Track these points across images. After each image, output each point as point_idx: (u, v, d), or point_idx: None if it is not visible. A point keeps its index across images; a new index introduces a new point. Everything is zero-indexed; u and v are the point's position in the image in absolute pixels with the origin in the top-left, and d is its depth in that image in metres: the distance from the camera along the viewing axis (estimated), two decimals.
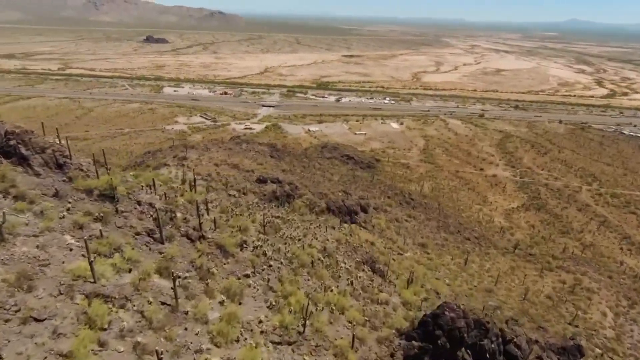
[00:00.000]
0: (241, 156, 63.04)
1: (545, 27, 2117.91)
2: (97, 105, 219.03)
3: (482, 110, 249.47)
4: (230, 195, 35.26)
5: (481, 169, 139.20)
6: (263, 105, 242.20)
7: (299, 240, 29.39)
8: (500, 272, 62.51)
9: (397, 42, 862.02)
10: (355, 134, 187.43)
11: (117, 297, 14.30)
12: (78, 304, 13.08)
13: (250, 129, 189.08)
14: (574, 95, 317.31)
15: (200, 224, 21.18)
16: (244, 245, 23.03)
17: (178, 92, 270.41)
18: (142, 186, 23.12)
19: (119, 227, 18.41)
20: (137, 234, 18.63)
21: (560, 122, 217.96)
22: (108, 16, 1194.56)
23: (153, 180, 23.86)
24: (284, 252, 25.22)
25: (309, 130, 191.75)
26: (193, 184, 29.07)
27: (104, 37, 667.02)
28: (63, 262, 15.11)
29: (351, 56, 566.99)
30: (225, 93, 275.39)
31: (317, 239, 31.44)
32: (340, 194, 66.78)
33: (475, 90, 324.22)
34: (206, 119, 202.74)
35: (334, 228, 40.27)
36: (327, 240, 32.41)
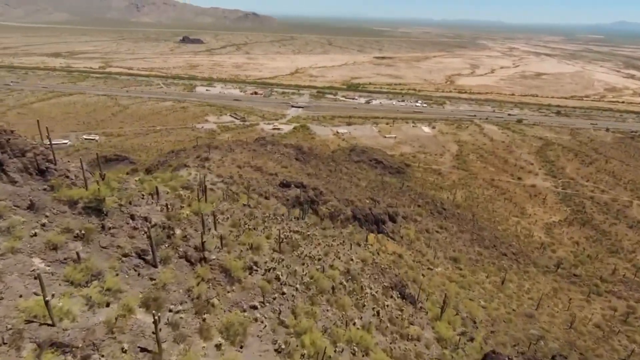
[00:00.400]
0: (265, 158, 60.78)
1: (590, 30, 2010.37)
2: (132, 103, 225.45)
3: (521, 115, 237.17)
4: (245, 205, 32.45)
5: (519, 178, 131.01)
6: (292, 106, 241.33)
7: (319, 260, 26.19)
8: (541, 294, 56.80)
9: (430, 44, 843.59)
10: (385, 137, 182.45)
11: (80, 345, 11.44)
12: (24, 357, 10.45)
13: (279, 129, 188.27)
14: (622, 102, 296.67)
15: (203, 242, 18.50)
16: (254, 268, 20.08)
17: (210, 92, 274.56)
18: (144, 195, 20.77)
19: (104, 247, 15.80)
20: (125, 255, 15.99)
21: (607, 130, 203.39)
22: (148, 17, 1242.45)
23: (156, 188, 21.50)
24: (301, 275, 22.09)
25: (337, 132, 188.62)
26: (204, 191, 26.45)
27: (143, 38, 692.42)
28: (20, 296, 12.15)
29: (383, 58, 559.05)
30: (256, 93, 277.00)
31: (339, 258, 28.19)
32: (367, 201, 63.18)
33: (513, 95, 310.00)
34: (236, 118, 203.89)
35: (359, 245, 36.79)
36: (352, 260, 29.05)
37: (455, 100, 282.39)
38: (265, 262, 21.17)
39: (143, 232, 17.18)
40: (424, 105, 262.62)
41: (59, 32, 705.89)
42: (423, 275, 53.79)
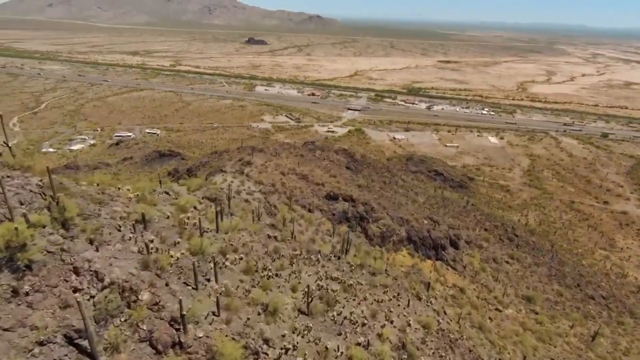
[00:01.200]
0: (313, 165, 55.15)
1: None
2: (195, 100, 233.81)
3: (606, 129, 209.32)
4: (271, 236, 26.39)
5: (605, 202, 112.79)
6: (349, 109, 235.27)
7: (364, 325, 19.35)
8: None
9: (501, 48, 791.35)
10: (446, 146, 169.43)
11: None
12: None
13: (333, 132, 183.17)
14: None
15: (182, 315, 12.38)
16: (262, 353, 13.80)
17: (268, 91, 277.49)
18: (122, 226, 15.63)
19: (7, 330, 9.98)
20: (43, 343, 10.06)
21: None
22: (219, 19, 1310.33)
23: (143, 215, 16.37)
24: (335, 355, 15.46)
25: (394, 137, 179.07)
26: (226, 208, 21.03)
27: (212, 38, 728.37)
28: None
29: (448, 62, 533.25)
30: (313, 94, 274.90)
31: (392, 321, 21.16)
32: (425, 221, 54.96)
33: (596, 106, 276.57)
34: (291, 119, 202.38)
35: (419, 299, 29.04)
36: (409, 324, 21.77)
37: (527, 109, 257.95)
38: (283, 337, 14.89)
39: (90, 296, 12.00)
40: (492, 113, 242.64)
41: (139, 33, 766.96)
42: (490, 319, 44.65)
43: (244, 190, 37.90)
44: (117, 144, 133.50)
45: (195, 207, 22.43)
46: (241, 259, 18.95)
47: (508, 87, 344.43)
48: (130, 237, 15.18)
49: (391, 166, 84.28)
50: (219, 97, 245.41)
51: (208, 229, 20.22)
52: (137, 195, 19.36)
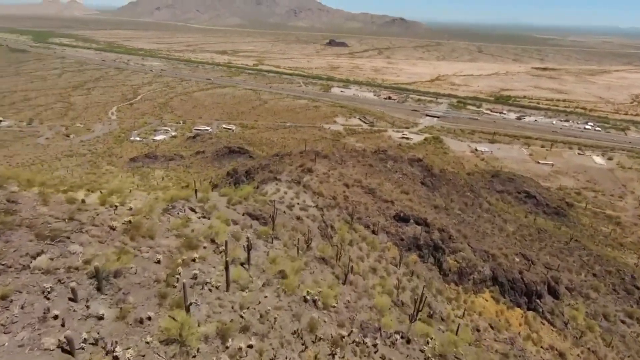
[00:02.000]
0: (382, 177, 48.09)
1: None
2: (272, 98, 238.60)
3: None
4: (308, 300, 19.32)
5: None
6: (427, 115, 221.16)
7: None
8: None
9: (611, 55, 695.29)
10: (539, 163, 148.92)
11: None
12: None
13: (408, 138, 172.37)
14: None
15: None
16: None
17: (344, 93, 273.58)
18: (89, 276, 10.62)
19: None
20: None
21: None
22: (303, 22, 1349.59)
23: (96, 270, 11.17)
24: None
25: (475, 149, 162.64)
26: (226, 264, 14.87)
27: (295, 40, 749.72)
28: None
29: (544, 69, 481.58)
30: (389, 98, 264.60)
31: None
32: (516, 258, 44.78)
33: None
34: (364, 122, 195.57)
35: None
36: None
37: None
38: None
39: None
40: (597, 129, 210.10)
41: (229, 34, 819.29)
42: None
43: (298, 204, 32.62)
44: (194, 137, 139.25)
45: (213, 240, 17.04)
46: (250, 347, 12.89)
47: (619, 100, 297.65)
48: (57, 316, 9.83)
49: (473, 183, 73.26)
50: (295, 97, 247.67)
51: (213, 284, 14.40)
52: (129, 221, 14.71)
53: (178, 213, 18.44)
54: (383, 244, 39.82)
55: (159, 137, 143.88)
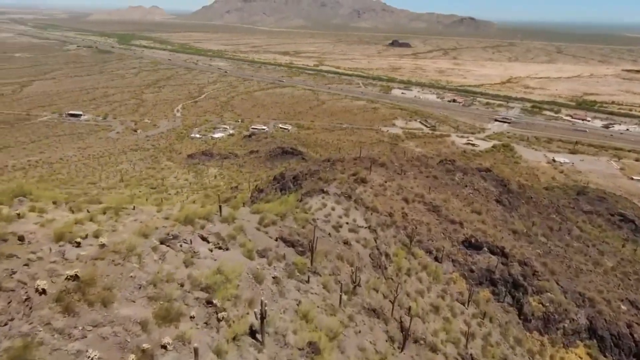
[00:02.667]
0: (449, 192, 40.93)
1: None
2: (330, 99, 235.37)
3: None
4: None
5: None
6: (496, 120, 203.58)
7: None
8: None
9: None
10: (632, 179, 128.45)
11: None
12: None
13: (474, 145, 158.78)
14: None
15: None
16: None
17: (405, 95, 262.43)
18: None
19: None
20: None
21: None
22: (366, 23, 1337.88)
23: None
24: None
25: (553, 160, 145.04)
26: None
27: (357, 41, 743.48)
28: None
29: (637, 71, 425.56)
30: (454, 100, 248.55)
31: None
32: (622, 305, 35.48)
33: None
34: (425, 125, 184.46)
35: None
36: None
37: None
38: None
39: None
40: None
41: (292, 35, 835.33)
42: None
43: (347, 223, 27.30)
44: (250, 136, 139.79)
45: (209, 302, 11.72)
46: None
47: None
48: None
49: (555, 201, 62.33)
50: (353, 98, 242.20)
51: None
52: (74, 276, 10.13)
53: (181, 245, 14.08)
54: (448, 275, 33.08)
55: (217, 135, 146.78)
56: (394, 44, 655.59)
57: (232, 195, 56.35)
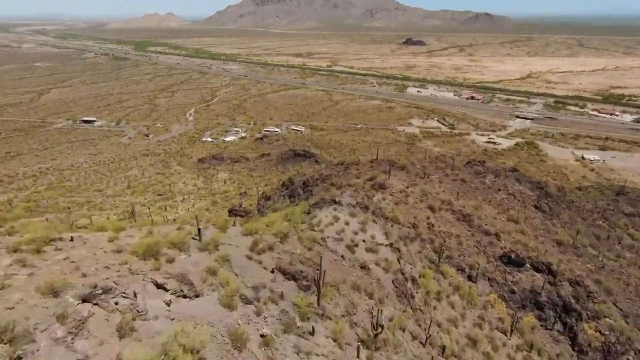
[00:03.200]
0: (480, 198, 35.82)
1: None
2: (343, 99, 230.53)
3: None
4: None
5: None
6: (517, 117, 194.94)
7: None
8: None
9: None
10: None
11: None
12: None
13: (495, 143, 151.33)
14: None
15: None
16: None
17: (421, 93, 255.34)
18: None
19: None
20: None
21: None
22: (379, 22, 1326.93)
23: None
24: None
25: (582, 157, 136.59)
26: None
27: (370, 40, 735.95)
28: None
29: None
30: (472, 97, 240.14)
31: None
32: None
33: None
34: (443, 124, 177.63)
35: None
36: None
37: None
38: None
39: None
40: None
41: (305, 37, 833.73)
42: None
43: (364, 241, 22.73)
44: (262, 138, 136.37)
45: None
46: None
47: None
48: None
49: (598, 204, 56.00)
50: (367, 97, 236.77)
51: None
52: None
53: (116, 303, 9.68)
54: (484, 297, 28.05)
55: (228, 138, 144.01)
56: (408, 42, 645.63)
57: (239, 203, 52.34)
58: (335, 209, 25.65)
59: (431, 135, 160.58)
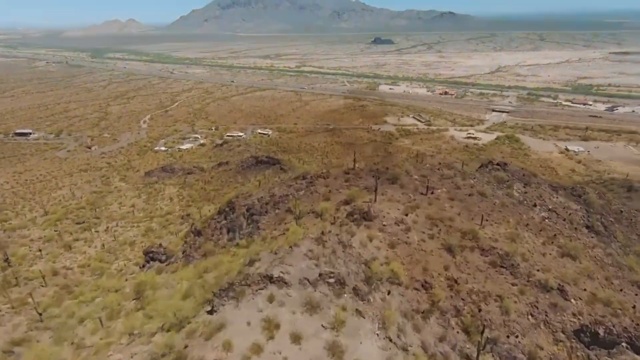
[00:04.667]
0: (511, 220, 23.62)
1: None
2: (313, 99, 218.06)
3: None
4: None
5: None
6: (493, 110, 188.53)
7: None
8: None
9: None
10: None
11: None
12: None
13: (475, 138, 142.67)
14: None
15: None
16: None
17: (393, 90, 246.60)
18: None
19: None
20: None
21: None
22: (347, 23, 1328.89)
23: None
24: None
25: (566, 149, 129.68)
26: None
27: (338, 40, 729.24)
28: None
29: (626, 53, 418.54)
30: (446, 93, 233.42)
31: None
32: None
33: None
34: (419, 120, 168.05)
35: None
36: None
37: None
38: None
39: None
40: None
41: (273, 40, 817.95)
42: None
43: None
44: (222, 144, 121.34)
45: None
46: None
47: None
48: None
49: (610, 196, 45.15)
50: (339, 96, 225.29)
51: None
52: None
53: None
54: None
55: (185, 146, 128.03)
56: (376, 41, 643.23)
57: (158, 243, 38.10)
58: (270, 301, 12.53)
59: (408, 132, 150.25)
